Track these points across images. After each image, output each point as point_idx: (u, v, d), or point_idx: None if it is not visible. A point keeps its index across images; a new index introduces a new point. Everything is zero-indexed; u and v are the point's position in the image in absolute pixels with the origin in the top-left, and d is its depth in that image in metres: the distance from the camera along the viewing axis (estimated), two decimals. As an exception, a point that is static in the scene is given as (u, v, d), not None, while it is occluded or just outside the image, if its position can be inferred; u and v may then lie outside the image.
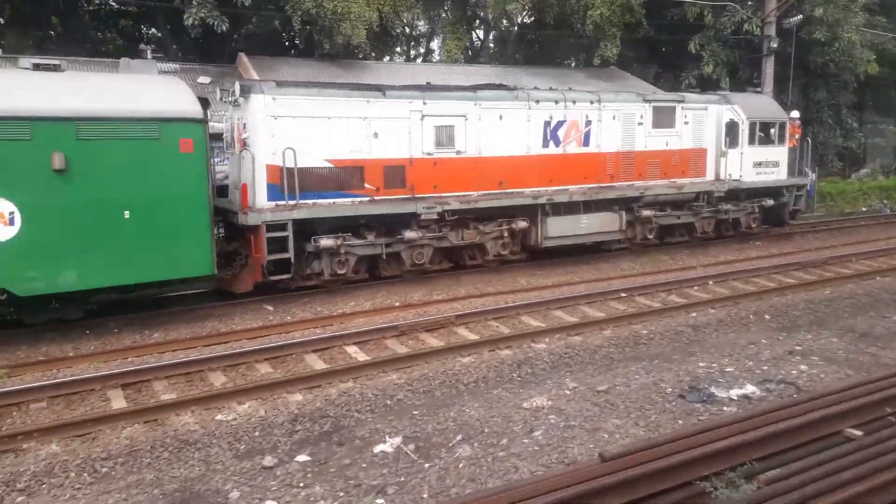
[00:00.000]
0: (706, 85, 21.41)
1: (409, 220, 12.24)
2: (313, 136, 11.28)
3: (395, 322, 9.72)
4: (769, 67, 21.05)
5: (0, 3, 19.56)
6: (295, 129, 11.12)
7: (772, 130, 16.61)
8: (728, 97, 16.50)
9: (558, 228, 13.83)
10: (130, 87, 9.73)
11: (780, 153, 16.88)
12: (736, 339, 9.13)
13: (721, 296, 11.33)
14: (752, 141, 16.30)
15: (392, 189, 12.16)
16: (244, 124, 11.08)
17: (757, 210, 16.95)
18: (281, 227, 10.91)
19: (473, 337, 9.25)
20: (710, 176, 16.13)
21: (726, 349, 8.58)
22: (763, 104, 17.49)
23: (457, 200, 12.57)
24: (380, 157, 11.96)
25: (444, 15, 20.26)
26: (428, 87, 12.85)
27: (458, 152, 12.73)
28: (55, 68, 9.57)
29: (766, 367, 7.78)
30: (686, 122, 15.59)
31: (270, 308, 11.08)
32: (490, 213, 13.26)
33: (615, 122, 14.59)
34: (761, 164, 16.58)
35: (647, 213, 14.99)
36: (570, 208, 14.02)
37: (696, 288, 12.02)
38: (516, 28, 23.35)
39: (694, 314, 10.38)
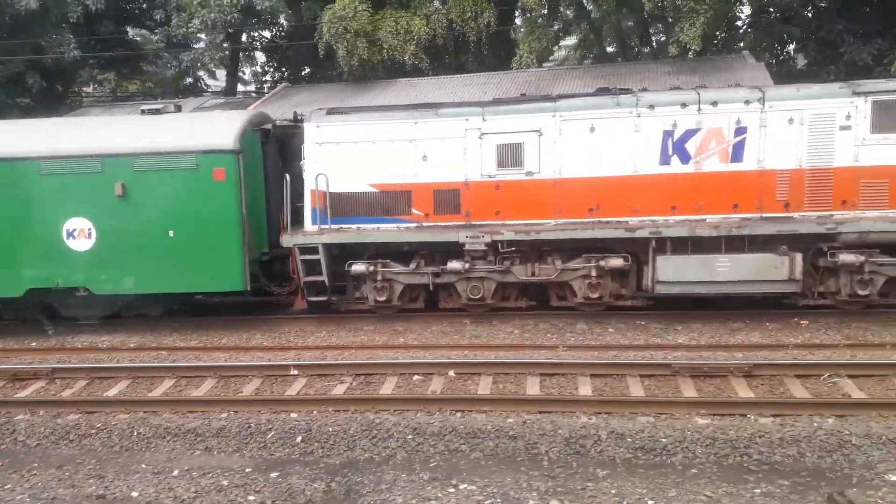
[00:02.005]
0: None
1: (459, 249, 11.04)
2: (357, 161, 11.15)
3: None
4: None
5: None
6: (338, 154, 11.17)
7: None
8: None
9: (676, 271, 10.47)
10: (178, 125, 11.37)
11: None
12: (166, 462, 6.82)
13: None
14: None
15: (444, 215, 11.11)
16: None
17: None
18: (314, 250, 11.20)
19: None
20: None
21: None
22: None
23: (513, 230, 10.74)
24: (429, 180, 11.06)
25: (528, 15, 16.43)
26: (490, 102, 11.21)
27: (528, 173, 10.82)
28: (157, 112, 11.84)
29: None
30: (952, 121, 9.88)
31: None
32: (574, 246, 10.90)
33: (794, 126, 10.20)
34: None
35: (847, 258, 10.09)
36: (701, 245, 10.47)
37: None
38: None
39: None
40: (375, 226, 11.28)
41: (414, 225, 11.19)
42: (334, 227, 11.25)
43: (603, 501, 5.53)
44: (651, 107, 10.52)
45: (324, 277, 11.26)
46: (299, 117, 11.87)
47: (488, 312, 11.50)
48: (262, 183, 11.74)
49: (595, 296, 10.95)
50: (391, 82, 17.12)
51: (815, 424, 6.73)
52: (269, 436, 7.08)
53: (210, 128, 11.26)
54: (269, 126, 11.87)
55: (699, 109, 10.41)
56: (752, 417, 7.05)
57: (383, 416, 7.36)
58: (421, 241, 11.13)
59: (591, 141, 10.67)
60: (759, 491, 5.67)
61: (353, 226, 11.30)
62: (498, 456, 6.52)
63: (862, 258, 10.08)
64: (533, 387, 8.14)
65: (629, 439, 6.57)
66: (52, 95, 21.20)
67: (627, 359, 8.97)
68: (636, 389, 7.91)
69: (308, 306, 11.85)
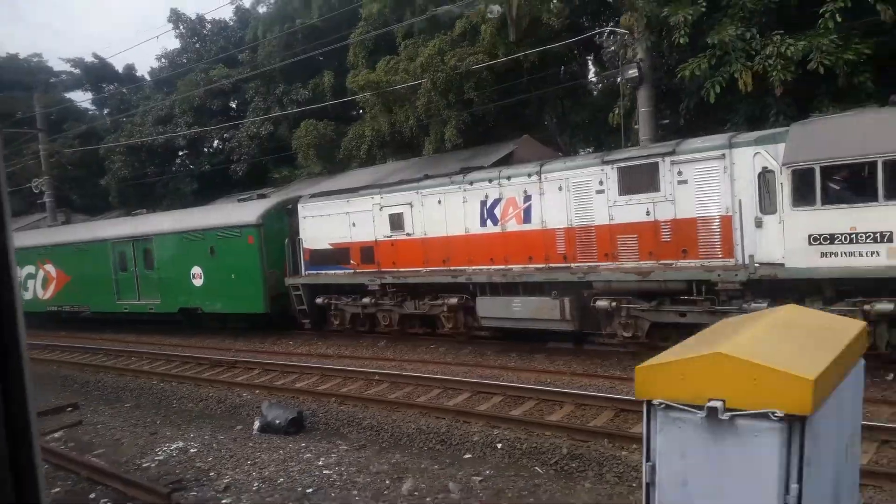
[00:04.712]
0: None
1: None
2: (323, 228, 16.50)
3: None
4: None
5: None
6: (314, 224, 16.70)
7: (876, 177, 8.99)
8: (770, 134, 9.97)
9: (489, 309, 13.31)
10: (237, 209, 18.19)
11: (891, 217, 8.85)
12: None
13: None
14: (803, 200, 9.50)
15: (366, 265, 15.70)
16: (301, 224, 17.39)
17: (862, 318, 9.31)
18: (297, 288, 16.83)
19: None
20: (741, 256, 10.45)
21: None
22: (847, 130, 9.17)
23: (393, 275, 14.79)
24: (357, 240, 15.80)
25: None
26: (384, 184, 15.32)
27: (408, 234, 14.79)
28: (244, 200, 19.02)
29: None
30: (682, 182, 10.94)
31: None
32: (438, 288, 14.39)
33: (562, 193, 12.31)
34: (833, 239, 9.30)
35: (601, 303, 11.71)
36: (507, 289, 13.11)
37: None
38: None
39: None
40: (333, 272, 16.45)
41: (351, 271, 16.04)
42: (312, 272, 16.78)
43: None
44: (471, 183, 13.67)
45: (304, 307, 16.83)
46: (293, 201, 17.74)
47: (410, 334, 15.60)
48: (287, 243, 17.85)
49: (450, 326, 14.31)
50: (346, 173, 21.73)
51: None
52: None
53: (247, 210, 17.92)
54: (290, 206, 17.96)
55: (500, 183, 13.21)
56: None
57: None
58: (351, 283, 15.91)
59: (440, 210, 14.22)
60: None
61: (323, 272, 16.66)
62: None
63: (614, 304, 11.65)
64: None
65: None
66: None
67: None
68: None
69: (310, 327, 17.49)
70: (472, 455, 8.02)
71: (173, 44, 28.71)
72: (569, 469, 7.31)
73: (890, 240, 8.96)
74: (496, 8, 13.60)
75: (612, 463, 7.17)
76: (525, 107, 17.78)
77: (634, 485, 6.51)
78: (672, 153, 11.09)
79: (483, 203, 13.55)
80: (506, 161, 14.58)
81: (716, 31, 11.22)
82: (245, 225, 17.63)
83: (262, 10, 26.56)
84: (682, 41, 11.42)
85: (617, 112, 13.49)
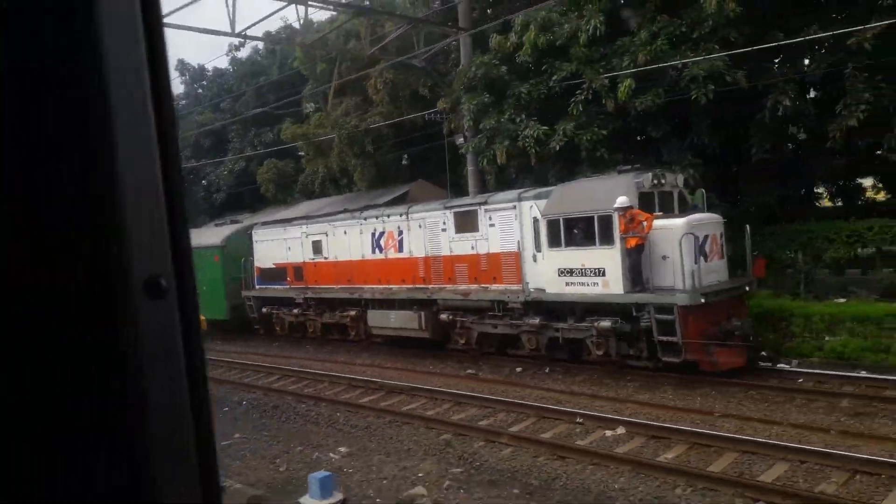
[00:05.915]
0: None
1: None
2: (269, 250, 20.41)
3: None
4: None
5: None
6: (263, 247, 20.64)
7: (594, 227, 12.21)
8: (545, 191, 13.23)
9: (375, 320, 16.88)
10: (210, 232, 22.28)
11: (606, 257, 12.03)
12: None
13: None
14: (554, 242, 12.77)
15: (297, 282, 19.50)
16: (255, 247, 21.34)
17: (595, 333, 12.51)
18: (250, 300, 20.77)
19: None
20: (524, 283, 13.75)
21: None
22: (581, 192, 12.37)
23: (312, 291, 18.53)
24: (292, 261, 19.63)
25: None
26: (309, 216, 19.07)
27: (325, 258, 18.53)
28: (220, 224, 23.16)
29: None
30: (492, 225, 14.31)
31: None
32: (342, 303, 18.03)
33: (422, 230, 15.80)
34: (572, 272, 12.53)
35: (442, 316, 15.14)
36: (388, 304, 16.65)
37: None
38: None
39: None
40: (276, 287, 20.32)
41: (287, 287, 19.87)
42: (262, 287, 20.70)
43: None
44: (366, 219, 17.30)
45: (255, 315, 20.75)
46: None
47: (329, 339, 19.30)
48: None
49: (353, 333, 17.93)
50: (297, 203, 25.38)
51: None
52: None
53: (214, 233, 22.01)
54: (250, 230, 21.96)
55: (383, 220, 16.80)
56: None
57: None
58: (286, 297, 19.74)
59: (345, 238, 17.90)
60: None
61: (269, 287, 20.55)
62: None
63: (451, 317, 15.06)
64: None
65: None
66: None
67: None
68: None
69: (262, 332, 21.38)
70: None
71: (178, 88, 33.93)
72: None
73: (604, 274, 12.16)
74: (311, 105, 17.26)
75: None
76: (430, 153, 21.39)
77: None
78: (486, 203, 14.49)
79: (373, 235, 17.18)
80: (402, 200, 18.13)
81: (486, 118, 14.66)
82: (213, 246, 21.74)
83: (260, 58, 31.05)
84: (468, 123, 14.82)
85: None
